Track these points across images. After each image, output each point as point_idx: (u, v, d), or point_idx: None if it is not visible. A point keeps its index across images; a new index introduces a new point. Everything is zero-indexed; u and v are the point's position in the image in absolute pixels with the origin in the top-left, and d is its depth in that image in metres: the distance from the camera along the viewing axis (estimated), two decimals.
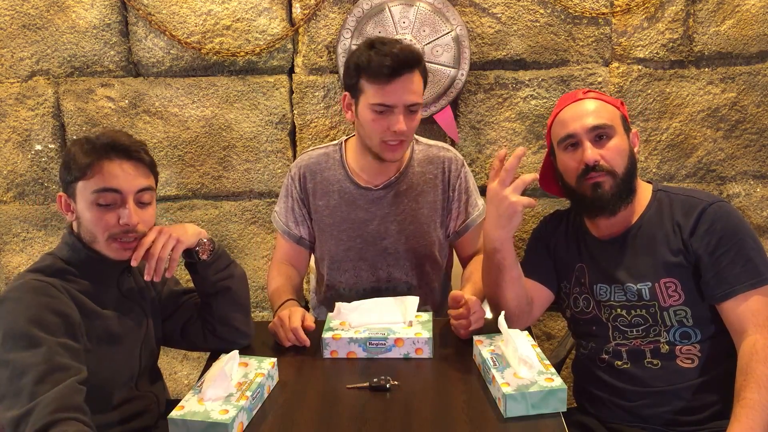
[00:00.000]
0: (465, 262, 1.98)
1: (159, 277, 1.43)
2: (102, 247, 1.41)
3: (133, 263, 1.42)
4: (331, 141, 2.40)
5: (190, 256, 1.54)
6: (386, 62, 1.66)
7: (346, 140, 1.95)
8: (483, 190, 1.99)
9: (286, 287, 1.85)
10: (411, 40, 2.23)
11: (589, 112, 1.58)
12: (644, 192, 1.63)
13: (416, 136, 1.94)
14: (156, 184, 1.49)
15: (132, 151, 1.41)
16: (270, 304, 1.87)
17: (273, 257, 2.01)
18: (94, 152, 1.39)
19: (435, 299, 1.98)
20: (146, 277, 1.42)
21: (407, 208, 1.88)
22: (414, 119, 1.75)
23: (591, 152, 1.55)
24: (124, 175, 1.39)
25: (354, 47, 2.26)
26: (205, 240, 1.53)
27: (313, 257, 2.04)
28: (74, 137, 2.43)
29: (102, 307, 1.43)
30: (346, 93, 1.79)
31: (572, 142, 1.59)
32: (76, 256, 1.42)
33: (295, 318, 1.64)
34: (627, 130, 1.62)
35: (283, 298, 1.77)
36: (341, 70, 2.29)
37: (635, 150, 1.62)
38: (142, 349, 1.51)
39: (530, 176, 1.46)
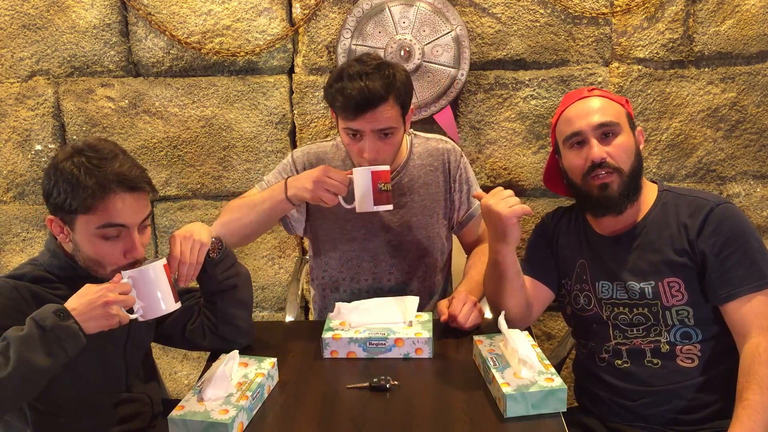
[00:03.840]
0: (469, 250, 2.00)
1: (190, 281, 1.45)
2: (105, 275, 1.40)
3: (181, 284, 1.46)
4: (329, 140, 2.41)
5: None
6: (349, 105, 1.63)
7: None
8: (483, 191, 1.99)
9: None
10: (411, 40, 2.23)
11: (595, 109, 1.58)
12: (649, 191, 1.63)
13: (414, 131, 1.94)
14: None
15: (137, 186, 1.37)
16: (259, 199, 1.78)
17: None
18: (100, 188, 1.32)
19: (437, 291, 1.98)
20: (181, 284, 1.46)
21: (409, 200, 1.89)
22: (389, 142, 1.70)
23: (597, 150, 1.55)
24: (129, 210, 1.36)
25: (354, 47, 2.27)
26: (213, 239, 1.54)
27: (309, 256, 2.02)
28: (74, 138, 2.43)
29: None
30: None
31: (578, 140, 1.58)
32: (57, 263, 1.41)
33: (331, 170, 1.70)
34: (633, 127, 1.62)
35: (281, 183, 1.75)
36: None
37: (640, 147, 1.62)
38: (126, 349, 1.50)
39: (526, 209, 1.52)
